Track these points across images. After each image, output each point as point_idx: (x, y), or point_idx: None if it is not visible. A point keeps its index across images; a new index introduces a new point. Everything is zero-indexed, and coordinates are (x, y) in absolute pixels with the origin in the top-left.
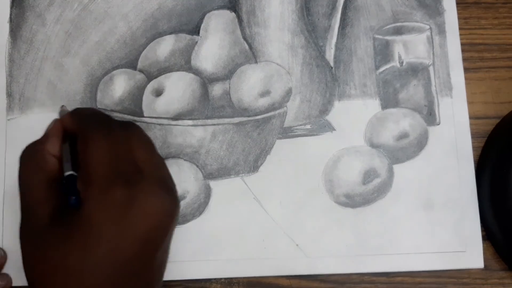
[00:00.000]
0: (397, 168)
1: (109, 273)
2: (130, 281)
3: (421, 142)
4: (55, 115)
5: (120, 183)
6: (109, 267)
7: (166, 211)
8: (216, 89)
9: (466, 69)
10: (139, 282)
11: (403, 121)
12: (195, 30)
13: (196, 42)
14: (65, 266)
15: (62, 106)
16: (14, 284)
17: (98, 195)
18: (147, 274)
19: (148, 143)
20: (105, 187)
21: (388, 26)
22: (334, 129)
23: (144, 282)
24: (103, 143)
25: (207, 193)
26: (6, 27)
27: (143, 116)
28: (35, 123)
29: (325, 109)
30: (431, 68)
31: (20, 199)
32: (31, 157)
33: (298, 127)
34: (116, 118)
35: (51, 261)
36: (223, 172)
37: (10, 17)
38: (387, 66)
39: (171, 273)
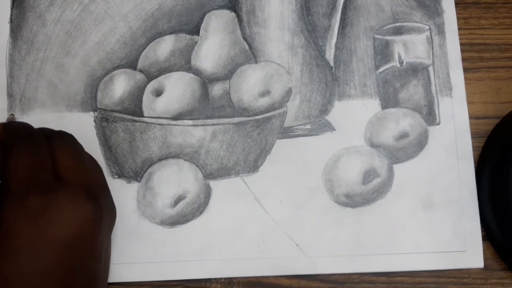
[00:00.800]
0: (397, 168)
1: (33, 282)
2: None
3: (421, 142)
4: (55, 116)
5: (35, 191)
6: (32, 276)
7: (86, 217)
8: (216, 89)
9: (466, 69)
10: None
11: (403, 121)
12: (195, 30)
13: (196, 42)
14: None
15: (11, 114)
16: None
17: (14, 203)
18: (77, 282)
19: (74, 151)
20: (20, 196)
21: (388, 26)
22: (334, 129)
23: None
24: (22, 154)
25: (207, 193)
26: (7, 27)
27: (143, 116)
28: (36, 123)
29: (325, 109)
30: (430, 68)
31: None
32: None
33: (298, 127)
34: (116, 118)
35: None
36: (223, 172)
37: (11, 18)
38: (387, 66)
39: (171, 273)
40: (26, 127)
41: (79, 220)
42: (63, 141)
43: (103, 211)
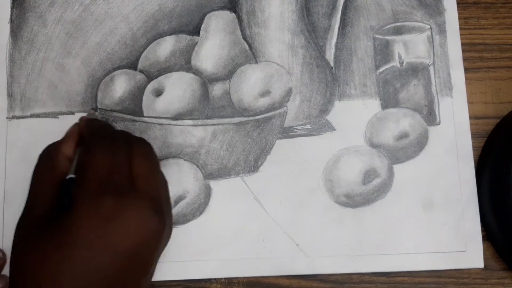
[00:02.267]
0: (397, 168)
1: (85, 281)
2: None
3: (421, 142)
4: (56, 116)
5: (110, 193)
6: (86, 275)
7: (152, 231)
8: (216, 89)
9: (466, 69)
10: None
11: (403, 121)
12: (196, 31)
13: (197, 43)
14: (42, 266)
15: (91, 109)
16: None
17: (87, 200)
18: None
19: (151, 163)
20: (95, 194)
21: (388, 26)
22: (334, 129)
23: None
24: (102, 153)
25: (207, 193)
26: (7, 27)
27: (143, 116)
28: (36, 123)
29: (325, 109)
30: (431, 68)
31: (28, 193)
32: (47, 155)
33: (298, 127)
34: (116, 118)
35: (31, 258)
36: (223, 172)
37: (11, 18)
38: (387, 66)
39: (171, 273)
40: (108, 126)
41: (144, 231)
42: (142, 148)
43: (165, 227)
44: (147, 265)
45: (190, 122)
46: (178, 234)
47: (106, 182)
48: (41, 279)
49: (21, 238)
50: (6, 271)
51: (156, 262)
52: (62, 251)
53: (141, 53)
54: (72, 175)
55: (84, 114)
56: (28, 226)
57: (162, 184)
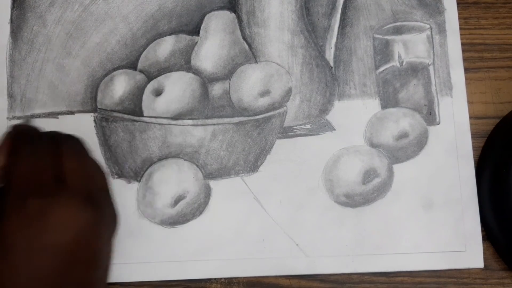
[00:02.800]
0: (397, 167)
1: (28, 285)
2: None
3: (421, 142)
4: (56, 116)
5: (34, 194)
6: (27, 279)
7: (85, 222)
8: (216, 89)
9: (466, 69)
10: None
11: (403, 120)
12: (195, 31)
13: (196, 43)
14: None
15: (29, 117)
16: None
17: (13, 205)
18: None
19: (79, 156)
20: (19, 198)
21: (388, 26)
22: (334, 129)
23: None
24: (25, 157)
25: (207, 193)
26: (7, 28)
27: (143, 116)
28: (37, 123)
29: (325, 109)
30: (431, 68)
31: None
32: None
33: (298, 126)
34: (116, 118)
35: None
36: (223, 172)
37: (11, 18)
38: (387, 66)
39: (171, 273)
40: (32, 130)
41: (77, 224)
42: (69, 144)
43: (103, 217)
44: (92, 257)
45: (190, 122)
46: (178, 234)
47: (29, 185)
48: None
49: None
50: None
51: (107, 252)
52: (1, 260)
53: (141, 53)
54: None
55: (85, 116)
56: None
57: (94, 174)
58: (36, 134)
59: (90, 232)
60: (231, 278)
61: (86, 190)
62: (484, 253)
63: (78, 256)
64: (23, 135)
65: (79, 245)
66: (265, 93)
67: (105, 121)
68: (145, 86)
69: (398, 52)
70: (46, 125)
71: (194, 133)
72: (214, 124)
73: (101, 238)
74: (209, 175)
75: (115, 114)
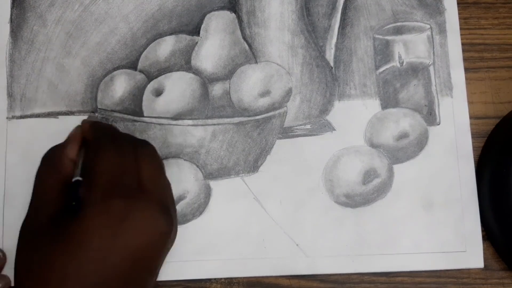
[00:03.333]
0: (397, 168)
1: (93, 282)
2: None
3: (421, 142)
4: (55, 116)
5: (119, 195)
6: (94, 276)
7: (160, 232)
8: (216, 89)
9: (466, 69)
10: None
11: (403, 121)
12: (196, 31)
13: (196, 43)
14: (49, 269)
15: (91, 112)
16: (13, 284)
17: (96, 203)
18: None
19: (157, 165)
20: (104, 197)
21: (388, 26)
22: (334, 129)
23: None
24: (110, 155)
25: (207, 193)
26: (7, 27)
27: (143, 116)
28: (36, 123)
29: (325, 109)
30: (431, 68)
31: (31, 196)
32: (50, 158)
33: (298, 127)
34: (116, 118)
35: (38, 261)
36: (223, 172)
37: (11, 18)
38: (387, 66)
39: (171, 273)
40: (113, 128)
41: (153, 232)
42: (148, 151)
43: (172, 229)
44: (155, 266)
45: (190, 122)
46: (178, 234)
47: (115, 185)
48: (49, 281)
49: (27, 242)
50: (6, 271)
51: (163, 262)
52: (70, 253)
53: (141, 53)
54: (78, 178)
55: (85, 116)
56: (34, 231)
57: (167, 186)
58: (117, 133)
59: (161, 242)
60: (231, 278)
61: (162, 199)
62: (484, 253)
63: (146, 263)
64: (103, 132)
65: (151, 252)
66: (265, 93)
67: (105, 121)
68: (145, 86)
69: (399, 52)
70: (46, 125)
71: (194, 133)
72: (214, 124)
73: (165, 249)
74: (209, 175)
75: (115, 114)
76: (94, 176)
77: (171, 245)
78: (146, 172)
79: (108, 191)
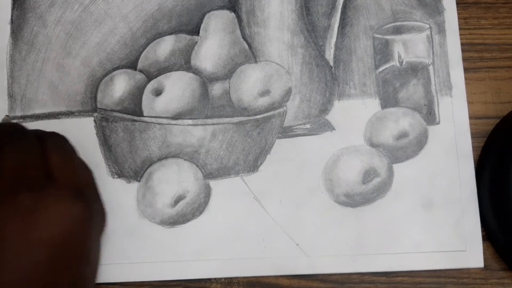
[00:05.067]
0: (397, 167)
1: (18, 278)
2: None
3: (421, 142)
4: (55, 116)
5: (26, 188)
6: (18, 273)
7: (75, 217)
8: (216, 89)
9: (466, 69)
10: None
11: (402, 120)
12: (195, 30)
13: (196, 42)
14: None
15: (6, 115)
16: None
17: (4, 200)
18: (62, 283)
19: (65, 153)
20: (11, 192)
21: (387, 26)
22: (334, 129)
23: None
24: (12, 152)
25: (207, 193)
26: (7, 28)
27: (143, 116)
28: (37, 124)
29: (324, 109)
30: (431, 67)
31: None
32: None
33: (298, 126)
34: (116, 118)
35: None
36: (223, 172)
37: (11, 19)
38: (387, 66)
39: (171, 273)
40: (16, 127)
41: (68, 219)
42: (54, 141)
43: (92, 213)
44: (80, 253)
45: (189, 121)
46: (178, 234)
47: (20, 179)
48: None
49: None
50: None
51: (96, 249)
52: None
53: (140, 53)
54: None
55: (85, 116)
56: None
57: (81, 171)
58: (20, 131)
59: (81, 227)
60: (231, 278)
61: (75, 185)
62: (484, 253)
63: (69, 251)
64: (6, 132)
65: (71, 239)
66: (265, 93)
67: (105, 121)
68: (145, 86)
69: (398, 52)
70: (47, 125)
71: (194, 133)
72: (214, 124)
73: (91, 234)
74: (209, 175)
75: (115, 114)
76: None
77: (102, 229)
78: (54, 161)
79: (14, 186)
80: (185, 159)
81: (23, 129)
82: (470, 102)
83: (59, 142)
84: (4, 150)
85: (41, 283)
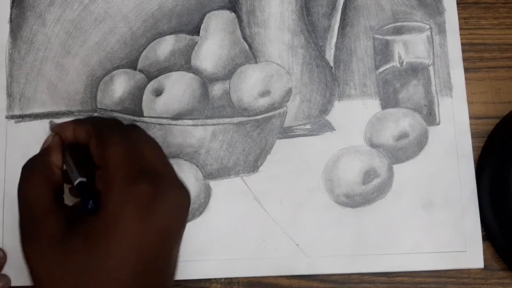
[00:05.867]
0: (397, 168)
1: (135, 266)
2: (154, 274)
3: (421, 142)
4: (55, 115)
5: (145, 179)
6: (135, 261)
7: (183, 205)
8: (216, 89)
9: (466, 69)
10: (161, 276)
11: (403, 121)
12: (195, 30)
13: (196, 42)
14: (90, 272)
15: (50, 121)
16: (13, 284)
17: (123, 191)
18: (167, 267)
19: (155, 143)
20: (130, 183)
21: (388, 26)
22: (334, 129)
23: (166, 276)
24: (120, 143)
25: (207, 193)
26: (7, 27)
27: (143, 116)
28: (36, 123)
29: (325, 109)
30: (431, 68)
31: (21, 213)
32: (37, 169)
33: (298, 127)
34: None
35: (74, 272)
36: (223, 172)
37: (11, 17)
38: (387, 66)
39: None
40: (111, 118)
41: (178, 207)
42: (144, 132)
43: (190, 198)
44: (181, 238)
45: (190, 122)
46: None
47: (135, 170)
48: (95, 284)
49: (50, 261)
50: (6, 270)
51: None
52: (109, 246)
53: (140, 53)
54: (82, 179)
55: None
56: (50, 247)
57: (169, 161)
58: (115, 123)
59: (186, 213)
60: (231, 278)
61: (176, 175)
62: (484, 253)
63: (174, 239)
64: (105, 123)
65: (177, 227)
66: (265, 93)
67: None
68: (145, 86)
69: (398, 52)
70: (45, 124)
71: (194, 133)
72: (214, 124)
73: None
74: (209, 175)
75: (115, 114)
76: (110, 167)
77: None
78: (150, 153)
79: (132, 177)
80: (185, 160)
81: (116, 121)
82: (470, 102)
83: (146, 133)
84: (112, 141)
85: (153, 270)
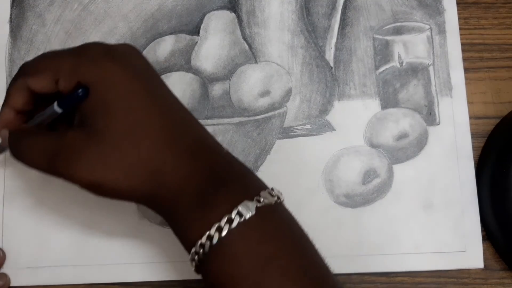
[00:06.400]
0: (397, 168)
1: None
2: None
3: (421, 142)
4: None
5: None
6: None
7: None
8: (216, 89)
9: (466, 69)
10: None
11: (403, 121)
12: (195, 31)
13: (196, 43)
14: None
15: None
16: (12, 284)
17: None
18: (172, 99)
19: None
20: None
21: (388, 26)
22: (334, 129)
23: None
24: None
25: None
26: (6, 27)
27: None
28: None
29: (325, 109)
30: (431, 68)
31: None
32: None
33: (298, 127)
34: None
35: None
36: None
37: (10, 17)
38: (387, 66)
39: (171, 273)
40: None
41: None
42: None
43: None
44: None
45: None
46: None
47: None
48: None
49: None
50: (6, 270)
51: None
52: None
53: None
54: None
55: None
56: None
57: None
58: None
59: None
60: None
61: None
62: (484, 253)
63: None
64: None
65: (149, 65)
66: (265, 93)
67: None
68: None
69: (398, 52)
70: None
71: None
72: (214, 124)
73: None
74: None
75: None
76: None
77: None
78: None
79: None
80: None
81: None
82: (470, 102)
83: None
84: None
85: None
